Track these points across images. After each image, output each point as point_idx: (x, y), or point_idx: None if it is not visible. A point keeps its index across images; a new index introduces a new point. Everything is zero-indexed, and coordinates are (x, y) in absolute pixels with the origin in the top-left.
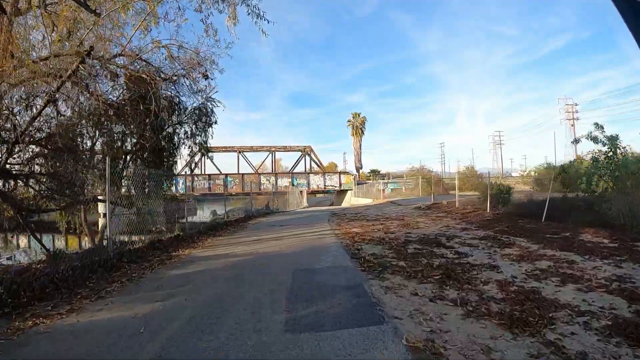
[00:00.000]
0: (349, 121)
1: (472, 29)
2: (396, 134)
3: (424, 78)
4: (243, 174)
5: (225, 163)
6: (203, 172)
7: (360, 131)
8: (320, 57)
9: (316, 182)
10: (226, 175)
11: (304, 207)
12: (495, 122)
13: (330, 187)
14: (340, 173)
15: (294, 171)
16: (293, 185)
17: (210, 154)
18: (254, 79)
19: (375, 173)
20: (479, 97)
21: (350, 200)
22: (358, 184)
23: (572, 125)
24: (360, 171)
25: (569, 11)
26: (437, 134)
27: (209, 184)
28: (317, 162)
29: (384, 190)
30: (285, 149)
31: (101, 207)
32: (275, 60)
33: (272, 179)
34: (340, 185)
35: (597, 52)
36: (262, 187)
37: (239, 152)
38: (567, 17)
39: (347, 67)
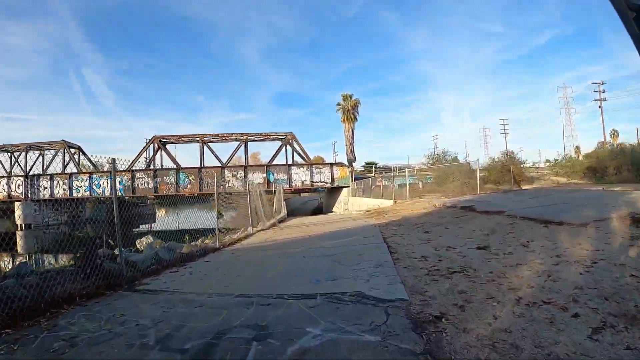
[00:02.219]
0: (338, 105)
1: (458, 26)
2: (383, 132)
3: (411, 75)
4: (200, 168)
5: (191, 158)
6: (154, 167)
7: (352, 116)
8: (306, 56)
9: (300, 177)
10: (178, 170)
11: (275, 224)
12: (482, 118)
13: (320, 184)
14: (332, 165)
15: (273, 163)
16: (269, 181)
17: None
18: (238, 79)
19: (371, 166)
20: (466, 94)
21: (349, 201)
22: (355, 179)
23: (599, 107)
24: (353, 164)
25: (553, 7)
26: (425, 131)
27: (155, 182)
28: (301, 152)
29: (382, 186)
30: (261, 136)
31: (20, 214)
32: (260, 61)
33: (241, 173)
34: (333, 180)
35: (582, 47)
36: (227, 185)
37: (202, 142)
38: (551, 13)
39: (333, 66)
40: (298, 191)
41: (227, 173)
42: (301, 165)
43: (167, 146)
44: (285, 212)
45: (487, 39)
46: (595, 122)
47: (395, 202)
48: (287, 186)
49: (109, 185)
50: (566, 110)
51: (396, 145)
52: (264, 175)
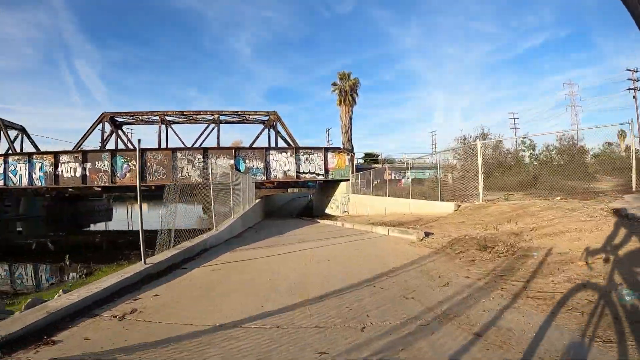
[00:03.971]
0: (334, 85)
1: (452, 26)
2: (374, 129)
3: (404, 73)
4: (144, 150)
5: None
6: (84, 150)
7: (350, 98)
8: (299, 52)
9: (282, 166)
10: (113, 152)
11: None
12: (475, 117)
13: (309, 177)
14: (326, 150)
15: (253, 147)
16: (238, 170)
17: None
18: (230, 73)
19: (373, 157)
20: (457, 93)
21: (349, 200)
22: (357, 169)
23: (634, 97)
24: (351, 154)
25: (547, 10)
26: (417, 130)
27: (85, 170)
28: (288, 138)
29: (409, 179)
30: (238, 115)
31: None
32: (252, 57)
33: (199, 158)
34: (327, 172)
35: (573, 51)
36: (179, 175)
37: (164, 121)
38: (545, 16)
39: (325, 63)
40: (282, 185)
41: (180, 158)
42: (283, 150)
43: (127, 129)
44: (219, 228)
45: (479, 39)
46: (588, 124)
47: (459, 206)
48: (264, 178)
49: (26, 172)
50: (572, 108)
51: (387, 144)
52: (232, 161)
